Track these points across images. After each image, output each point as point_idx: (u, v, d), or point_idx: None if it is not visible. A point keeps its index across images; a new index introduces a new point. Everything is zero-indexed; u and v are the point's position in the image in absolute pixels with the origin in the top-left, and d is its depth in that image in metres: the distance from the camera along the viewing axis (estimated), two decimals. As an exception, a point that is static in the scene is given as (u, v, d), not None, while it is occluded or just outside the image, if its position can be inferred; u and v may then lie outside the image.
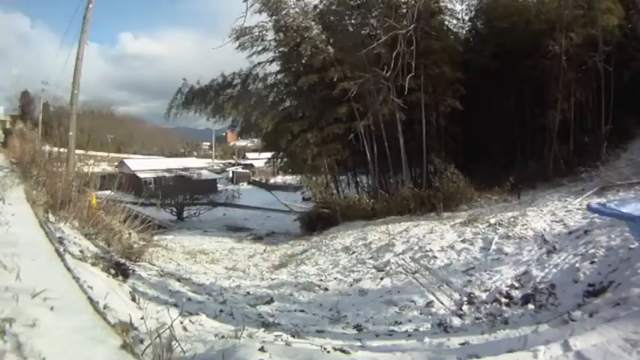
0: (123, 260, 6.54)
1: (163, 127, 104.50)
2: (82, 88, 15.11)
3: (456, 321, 4.61)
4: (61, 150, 13.13)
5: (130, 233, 9.21)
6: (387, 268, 8.02)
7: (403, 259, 8.33)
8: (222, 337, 3.49)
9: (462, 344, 3.51)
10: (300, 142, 18.89)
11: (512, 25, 18.06)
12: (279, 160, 25.25)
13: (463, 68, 18.47)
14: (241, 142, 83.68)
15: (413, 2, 12.83)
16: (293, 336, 3.96)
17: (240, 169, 71.77)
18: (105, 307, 3.01)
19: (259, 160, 48.90)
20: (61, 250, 4.29)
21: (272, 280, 9.13)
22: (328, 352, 3.27)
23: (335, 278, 8.30)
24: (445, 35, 19.60)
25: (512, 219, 8.84)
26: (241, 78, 21.81)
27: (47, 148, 13.15)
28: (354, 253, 10.53)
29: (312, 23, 18.93)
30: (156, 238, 11.26)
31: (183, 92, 22.81)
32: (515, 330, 3.54)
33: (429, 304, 5.49)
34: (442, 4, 19.68)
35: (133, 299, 4.00)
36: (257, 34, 19.71)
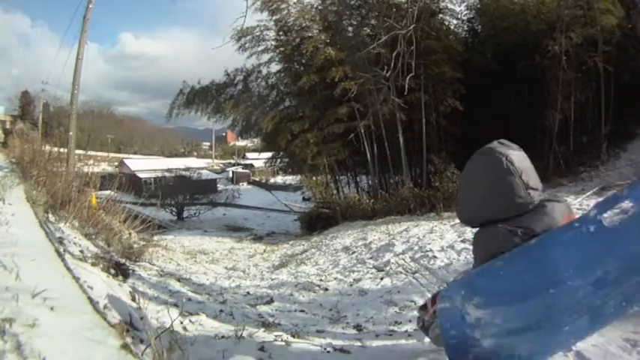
0: (123, 260, 6.54)
1: (163, 127, 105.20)
2: (82, 88, 15.13)
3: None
4: (61, 150, 13.12)
5: (130, 233, 9.21)
6: (387, 268, 8.02)
7: (403, 259, 8.34)
8: (222, 337, 3.49)
9: (462, 344, 3.51)
10: (300, 142, 18.91)
11: (512, 25, 18.07)
12: (279, 160, 25.35)
13: (463, 68, 18.48)
14: (241, 142, 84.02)
15: (412, 2, 12.85)
16: (293, 336, 3.95)
17: (240, 169, 71.95)
18: (105, 307, 3.00)
19: (259, 160, 49.01)
20: (61, 250, 4.28)
21: (272, 280, 9.13)
22: (328, 352, 3.27)
23: (335, 278, 8.29)
24: (445, 35, 19.63)
25: (513, 219, 8.84)
26: (243, 75, 21.91)
27: (47, 148, 13.14)
28: (354, 253, 10.53)
29: (313, 23, 18.95)
30: (156, 238, 11.29)
31: (184, 93, 22.93)
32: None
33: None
34: (442, 4, 19.74)
35: (133, 299, 4.00)
36: (258, 33, 19.76)
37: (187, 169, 41.20)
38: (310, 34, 18.73)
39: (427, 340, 3.66)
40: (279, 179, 57.41)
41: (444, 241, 8.76)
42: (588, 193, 11.07)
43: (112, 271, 4.81)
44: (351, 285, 7.56)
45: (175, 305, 4.56)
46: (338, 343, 3.63)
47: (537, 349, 2.04)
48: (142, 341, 2.71)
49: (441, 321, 2.19)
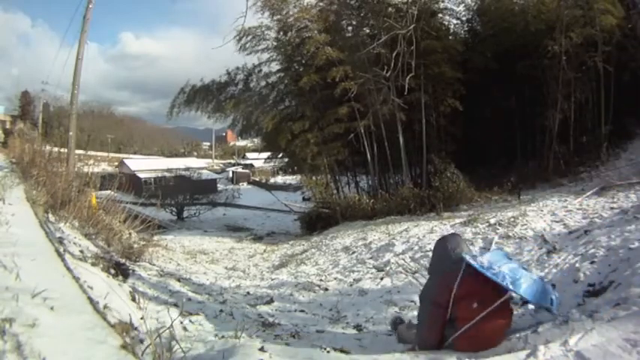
0: (123, 260, 6.54)
1: (163, 127, 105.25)
2: (82, 88, 15.15)
3: (456, 321, 4.59)
4: (61, 150, 13.12)
5: (130, 233, 9.20)
6: (387, 268, 8.02)
7: (403, 259, 8.33)
8: (222, 337, 3.49)
9: (462, 344, 3.51)
10: (300, 142, 18.91)
11: (512, 25, 18.06)
12: (279, 160, 25.38)
13: (463, 68, 18.48)
14: (241, 142, 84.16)
15: (412, 2, 12.82)
16: (293, 336, 3.96)
17: (240, 169, 72.00)
18: (105, 307, 3.00)
19: (259, 160, 49.06)
20: (61, 250, 4.28)
21: (272, 280, 9.13)
22: (328, 352, 3.27)
23: (335, 278, 8.30)
24: (445, 35, 19.64)
25: (513, 219, 8.84)
26: (244, 74, 21.90)
27: (47, 148, 13.14)
28: (354, 253, 10.53)
29: (313, 23, 18.91)
30: (156, 238, 11.27)
31: (185, 91, 22.90)
32: (515, 330, 3.54)
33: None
34: (442, 4, 19.75)
35: (133, 299, 4.00)
36: (259, 33, 19.75)
37: (187, 169, 41.21)
38: (310, 35, 18.71)
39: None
40: (279, 179, 57.52)
41: (444, 241, 8.74)
42: (588, 193, 11.07)
43: (112, 271, 4.80)
44: (351, 285, 7.57)
45: (175, 305, 4.56)
46: (338, 343, 3.63)
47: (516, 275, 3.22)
48: (141, 341, 2.71)
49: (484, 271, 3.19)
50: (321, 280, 8.34)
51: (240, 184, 60.74)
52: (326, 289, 7.47)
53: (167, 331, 2.81)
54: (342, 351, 3.33)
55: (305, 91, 18.97)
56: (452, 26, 21.36)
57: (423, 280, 6.58)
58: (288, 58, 20.77)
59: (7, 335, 2.03)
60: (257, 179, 64.89)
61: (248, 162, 73.53)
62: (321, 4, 19.83)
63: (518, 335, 3.15)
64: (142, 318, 3.21)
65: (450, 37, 20.16)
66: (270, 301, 6.45)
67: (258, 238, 21.06)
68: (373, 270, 8.30)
